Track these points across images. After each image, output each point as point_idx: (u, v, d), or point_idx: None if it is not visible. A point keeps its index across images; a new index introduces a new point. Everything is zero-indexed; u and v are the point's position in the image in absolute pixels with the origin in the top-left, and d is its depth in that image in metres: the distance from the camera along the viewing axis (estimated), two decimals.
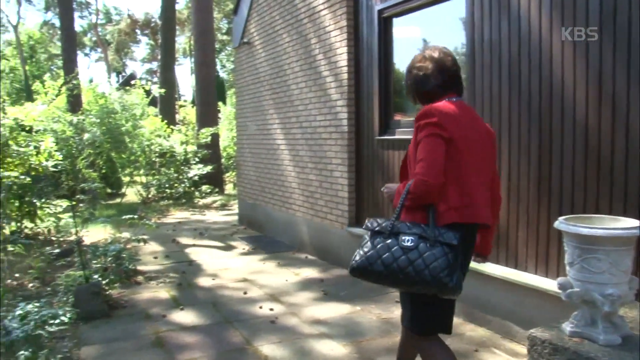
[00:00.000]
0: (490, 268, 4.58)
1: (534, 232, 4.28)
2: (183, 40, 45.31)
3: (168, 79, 19.42)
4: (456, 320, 4.81)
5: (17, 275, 6.30)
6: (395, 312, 5.09)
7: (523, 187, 4.35)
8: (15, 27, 38.18)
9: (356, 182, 6.60)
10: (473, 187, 2.63)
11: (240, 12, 9.75)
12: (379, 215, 6.04)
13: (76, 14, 27.32)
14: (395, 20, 6.08)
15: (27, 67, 33.35)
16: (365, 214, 6.41)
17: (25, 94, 28.07)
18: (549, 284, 4.00)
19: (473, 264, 2.87)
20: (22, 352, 3.57)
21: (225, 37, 41.56)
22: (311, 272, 6.66)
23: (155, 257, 7.55)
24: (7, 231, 7.42)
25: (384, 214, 6.02)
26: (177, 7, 22.89)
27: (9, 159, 7.98)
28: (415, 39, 6.16)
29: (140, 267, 6.78)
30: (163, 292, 5.92)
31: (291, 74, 7.81)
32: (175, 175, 13.98)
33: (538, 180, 4.22)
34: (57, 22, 37.56)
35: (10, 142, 7.86)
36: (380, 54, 6.15)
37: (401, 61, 6.23)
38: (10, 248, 6.55)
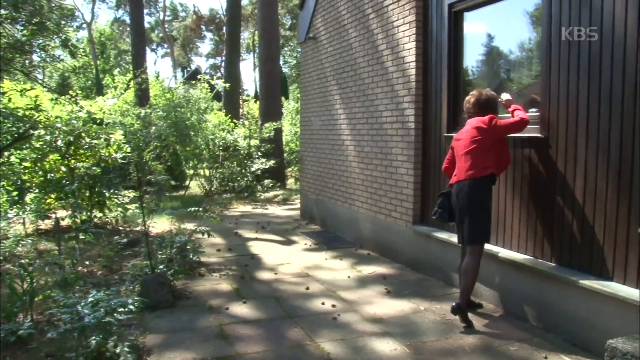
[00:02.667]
0: (562, 272, 4.39)
1: (612, 236, 4.06)
2: (246, 35, 45.91)
3: (232, 74, 19.66)
4: (524, 324, 4.67)
5: (87, 262, 6.50)
6: None
7: (601, 189, 4.13)
8: (89, 25, 39.58)
9: (422, 180, 6.47)
10: (456, 167, 4.85)
11: (306, 6, 9.74)
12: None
13: (145, 11, 27.98)
14: (466, 15, 5.90)
15: (98, 63, 34.55)
16: (430, 212, 6.27)
17: (96, 88, 29.07)
18: (629, 292, 3.80)
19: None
20: (93, 337, 3.65)
21: (288, 33, 41.84)
22: (374, 270, 6.58)
23: (218, 250, 7.63)
24: (78, 220, 7.65)
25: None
26: (241, 2, 23.11)
27: (82, 151, 8.24)
28: (486, 35, 5.97)
29: (203, 259, 6.87)
30: (225, 285, 5.97)
31: (358, 69, 7.73)
32: (238, 169, 14.15)
33: (618, 181, 3.99)
34: (127, 19, 38.82)
35: (83, 135, 8.10)
36: (450, 50, 5.98)
37: (471, 57, 6.06)
38: (81, 236, 6.76)
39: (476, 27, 5.98)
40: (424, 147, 6.45)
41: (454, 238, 5.37)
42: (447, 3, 5.94)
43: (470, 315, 4.80)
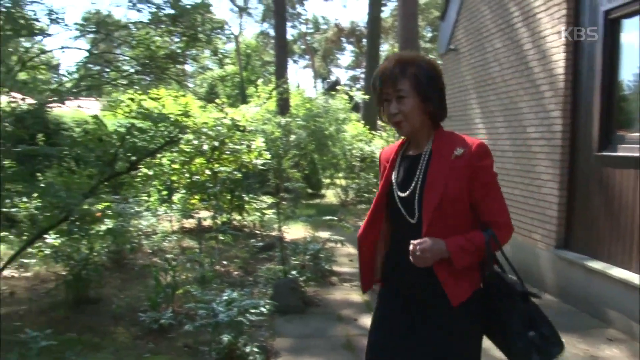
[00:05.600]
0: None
1: None
2: (386, 47, 46.02)
3: None
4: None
5: (224, 262, 6.77)
6: (605, 351, 4.54)
7: None
8: (237, 37, 41.76)
9: (567, 201, 6.01)
10: None
11: (448, 17, 9.53)
12: (595, 241, 5.46)
13: (288, 24, 29.00)
14: (624, 23, 5.42)
15: (243, 73, 36.35)
16: (575, 237, 5.83)
17: (240, 97, 30.53)
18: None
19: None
20: (225, 335, 3.77)
21: (427, 45, 41.39)
22: None
23: (351, 260, 7.63)
24: (219, 221, 8.03)
25: (599, 238, 5.40)
26: (381, 15, 23.22)
27: (225, 156, 8.65)
28: None
29: (335, 268, 6.89)
30: (356, 296, 5.95)
31: (500, 83, 7.41)
32: (375, 180, 14.14)
33: None
34: (272, 32, 40.46)
35: (227, 140, 8.49)
36: (604, 61, 5.52)
37: (628, 69, 5.54)
38: (220, 237, 7.07)
39: (634, 37, 5.46)
40: (572, 166, 6.00)
41: (608, 269, 5.02)
42: (602, 10, 5.49)
43: None
